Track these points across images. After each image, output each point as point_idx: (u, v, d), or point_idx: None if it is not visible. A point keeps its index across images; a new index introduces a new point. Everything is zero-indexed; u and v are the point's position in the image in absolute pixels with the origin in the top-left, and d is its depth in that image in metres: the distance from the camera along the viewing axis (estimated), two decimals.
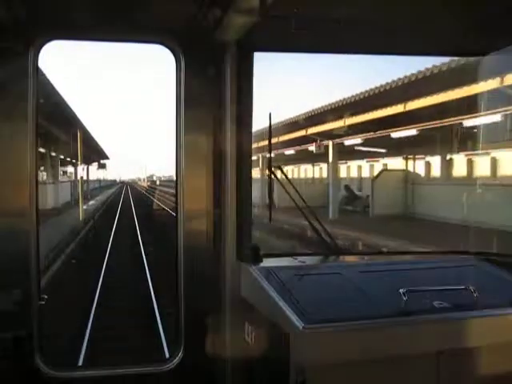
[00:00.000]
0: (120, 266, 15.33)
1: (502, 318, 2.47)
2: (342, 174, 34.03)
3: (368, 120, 20.72)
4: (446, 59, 13.17)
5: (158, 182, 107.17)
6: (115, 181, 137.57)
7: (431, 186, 25.31)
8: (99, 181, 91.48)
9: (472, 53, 3.32)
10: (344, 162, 33.08)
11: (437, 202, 21.54)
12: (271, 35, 2.81)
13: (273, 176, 3.09)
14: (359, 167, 35.13)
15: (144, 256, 16.47)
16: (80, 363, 7.33)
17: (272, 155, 3.20)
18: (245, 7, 2.44)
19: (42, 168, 28.58)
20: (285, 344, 2.26)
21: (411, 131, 20.71)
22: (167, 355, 6.87)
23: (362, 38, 2.94)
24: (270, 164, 3.08)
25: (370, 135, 22.89)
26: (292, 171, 41.40)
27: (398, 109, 18.73)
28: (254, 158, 3.26)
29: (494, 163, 21.71)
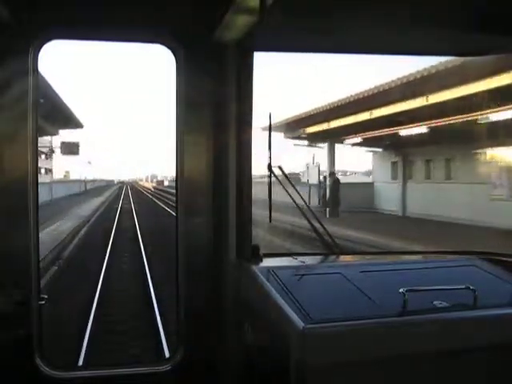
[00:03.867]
0: None
1: (503, 318, 2.47)
2: None
3: None
4: None
5: (166, 183, 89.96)
6: (113, 181, 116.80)
7: None
8: (84, 182, 59.56)
9: (472, 52, 3.32)
10: None
11: None
12: (271, 35, 2.81)
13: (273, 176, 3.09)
14: None
15: None
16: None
17: None
18: (245, 7, 2.44)
19: None
20: (285, 344, 2.26)
21: None
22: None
23: (362, 37, 2.94)
24: (269, 164, 3.07)
25: None
26: None
27: None
28: None
29: None
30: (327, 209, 24.99)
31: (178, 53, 2.90)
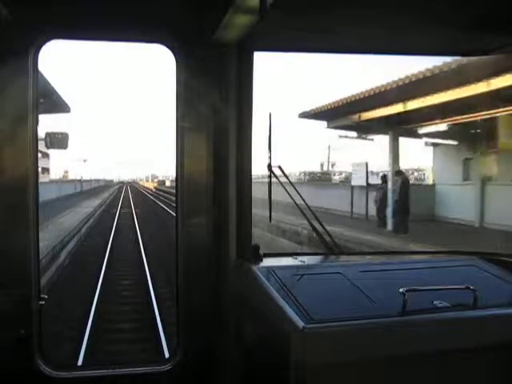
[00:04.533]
0: None
1: (503, 318, 2.47)
2: None
3: None
4: None
5: (167, 183, 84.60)
6: (112, 181, 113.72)
7: None
8: (80, 182, 50.96)
9: (472, 52, 3.32)
10: None
11: None
12: (271, 35, 2.81)
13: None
14: None
15: None
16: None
17: None
18: (245, 7, 2.44)
19: None
20: (285, 344, 2.26)
21: None
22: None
23: (362, 37, 2.94)
24: (269, 164, 3.08)
25: None
26: None
27: None
28: None
29: None
30: (388, 220, 19.25)
31: (178, 53, 2.90)
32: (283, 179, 3.14)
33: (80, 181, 52.15)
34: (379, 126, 19.81)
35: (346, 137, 23.37)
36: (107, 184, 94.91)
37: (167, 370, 2.97)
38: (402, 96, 16.00)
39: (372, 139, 22.98)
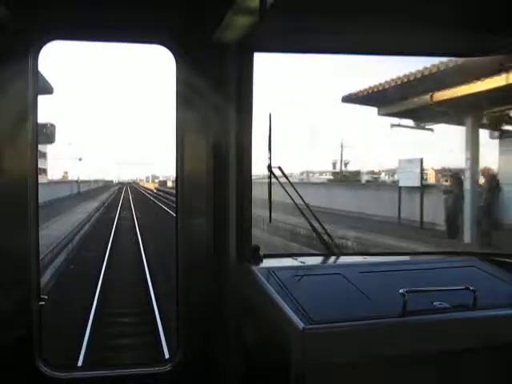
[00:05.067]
0: None
1: (502, 318, 2.47)
2: None
3: None
4: None
5: (169, 184, 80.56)
6: (112, 181, 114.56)
7: None
8: (78, 182, 46.11)
9: (473, 52, 3.32)
10: None
11: None
12: (271, 35, 2.81)
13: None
14: None
15: None
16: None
17: None
18: (245, 7, 2.44)
19: None
20: (285, 344, 2.26)
21: None
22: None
23: (362, 38, 2.94)
24: (269, 165, 3.08)
25: None
26: None
27: None
28: None
29: None
30: (466, 230, 15.03)
31: (178, 53, 2.90)
32: (283, 179, 3.15)
33: (77, 181, 47.70)
34: (454, 110, 14.68)
35: (398, 125, 18.68)
36: (107, 184, 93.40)
37: (167, 371, 2.97)
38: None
39: (431, 129, 18.68)
